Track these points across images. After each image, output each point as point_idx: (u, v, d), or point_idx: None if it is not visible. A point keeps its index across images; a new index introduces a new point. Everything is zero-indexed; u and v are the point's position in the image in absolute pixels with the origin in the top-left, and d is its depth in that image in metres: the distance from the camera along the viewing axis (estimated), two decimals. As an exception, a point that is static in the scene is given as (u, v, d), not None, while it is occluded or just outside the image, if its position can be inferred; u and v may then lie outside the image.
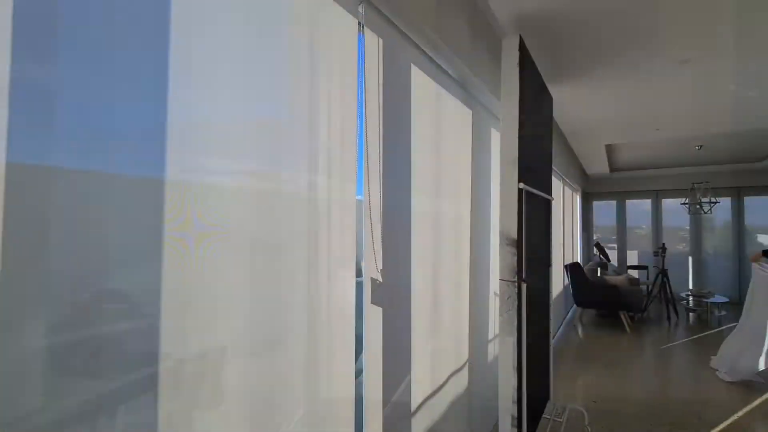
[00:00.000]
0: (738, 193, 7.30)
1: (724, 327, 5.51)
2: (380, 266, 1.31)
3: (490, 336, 2.66)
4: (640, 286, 5.95)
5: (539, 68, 2.46)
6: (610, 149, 5.95)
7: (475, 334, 2.34)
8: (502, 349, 1.92)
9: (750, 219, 7.25)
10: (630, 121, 4.05)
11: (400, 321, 1.47)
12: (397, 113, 1.48)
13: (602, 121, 4.00)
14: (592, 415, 2.91)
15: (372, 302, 1.27)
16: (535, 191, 2.17)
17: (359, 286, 1.24)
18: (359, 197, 1.26)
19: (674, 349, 4.50)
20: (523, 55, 1.92)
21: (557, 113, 3.83)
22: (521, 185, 1.90)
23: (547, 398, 2.71)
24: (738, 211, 7.31)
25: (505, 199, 1.92)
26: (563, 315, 5.71)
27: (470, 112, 2.21)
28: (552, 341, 2.84)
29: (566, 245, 6.08)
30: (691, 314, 6.06)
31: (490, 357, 2.63)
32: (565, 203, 5.88)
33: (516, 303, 1.92)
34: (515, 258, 1.91)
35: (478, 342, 2.43)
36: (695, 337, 5.02)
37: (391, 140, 1.42)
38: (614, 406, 3.06)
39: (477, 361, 2.37)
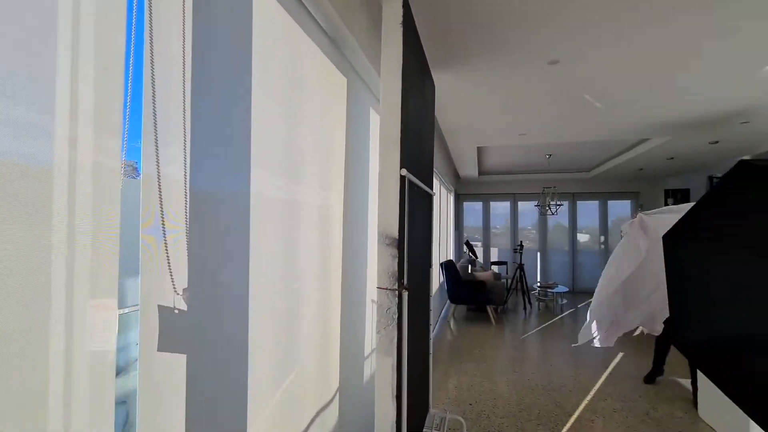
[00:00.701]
0: (573, 198, 8.61)
1: (566, 313, 6.33)
2: (181, 285, 0.77)
3: (368, 352, 2.29)
4: (502, 281, 6.46)
5: (423, 45, 2.19)
6: (480, 152, 6.31)
7: (348, 355, 1.94)
8: (380, 373, 1.55)
9: (580, 220, 8.63)
10: (500, 125, 4.23)
11: (223, 367, 0.95)
12: (222, 44, 0.96)
13: (477, 121, 4.07)
14: (469, 420, 2.80)
15: (162, 348, 0.73)
16: (418, 182, 1.87)
17: (126, 323, 0.70)
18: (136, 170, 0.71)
19: (531, 339, 4.89)
20: (407, 13, 1.59)
21: (437, 109, 3.74)
22: (403, 172, 1.55)
23: (426, 410, 2.48)
24: (573, 214, 8.63)
25: (385, 188, 1.55)
26: (439, 312, 5.82)
27: (344, 79, 1.80)
28: (431, 342, 2.63)
29: (442, 243, 6.24)
30: (540, 303, 6.83)
31: (367, 377, 2.27)
32: (441, 202, 6.02)
33: (396, 316, 1.57)
34: (396, 261, 1.56)
35: (352, 362, 2.04)
36: (546, 324, 5.60)
37: (209, 83, 0.89)
38: (488, 406, 3.02)
39: (350, 388, 1.97)
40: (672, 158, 6.00)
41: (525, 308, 6.39)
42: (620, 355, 4.26)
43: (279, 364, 1.31)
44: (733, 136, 4.63)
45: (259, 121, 1.12)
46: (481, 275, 6.43)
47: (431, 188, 2.47)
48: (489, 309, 5.66)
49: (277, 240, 1.27)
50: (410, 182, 1.68)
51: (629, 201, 8.39)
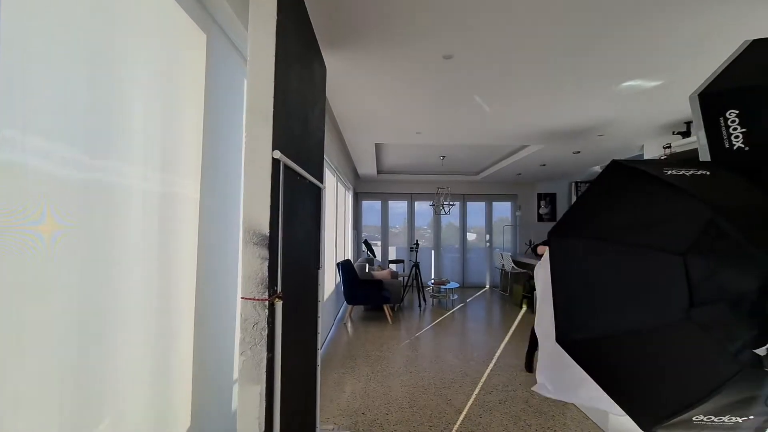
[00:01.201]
0: (464, 199, 9.19)
1: (457, 308, 6.64)
2: None
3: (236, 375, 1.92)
4: (399, 279, 6.50)
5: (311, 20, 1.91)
6: (379, 150, 6.25)
7: (207, 386, 1.55)
8: (243, 405, 1.23)
9: (469, 220, 9.25)
10: (397, 121, 4.17)
11: None
12: None
13: (373, 115, 3.93)
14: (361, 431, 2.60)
15: None
16: (299, 170, 1.59)
17: None
18: None
19: (425, 336, 4.96)
20: (283, -42, 1.29)
21: (333, 98, 3.48)
22: (277, 154, 1.26)
23: (314, 428, 2.20)
24: (463, 214, 9.21)
25: (252, 173, 1.24)
26: (335, 315, 5.57)
27: (203, 36, 1.42)
28: (320, 354, 2.36)
29: (340, 243, 6.02)
30: (434, 299, 7.08)
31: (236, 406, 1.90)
32: (339, 200, 5.79)
33: (266, 332, 1.27)
34: (266, 263, 1.26)
35: (216, 393, 1.66)
36: (439, 320, 5.78)
37: None
38: (381, 413, 2.87)
39: (210, 423, 1.59)
40: (544, 165, 6.74)
41: (420, 305, 6.54)
42: (504, 344, 4.55)
43: (71, 415, 0.91)
44: (592, 148, 5.34)
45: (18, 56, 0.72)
46: (379, 274, 6.38)
47: (321, 180, 2.20)
48: (386, 308, 5.62)
49: (70, 239, 0.86)
50: (287, 168, 1.39)
51: (510, 203, 9.27)
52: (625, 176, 1.07)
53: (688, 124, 4.08)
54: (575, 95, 3.35)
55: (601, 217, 1.24)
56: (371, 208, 9.19)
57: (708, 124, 1.01)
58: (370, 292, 5.46)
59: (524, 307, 6.61)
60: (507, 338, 4.84)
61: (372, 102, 3.56)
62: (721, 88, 1.06)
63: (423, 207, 9.20)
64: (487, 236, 9.24)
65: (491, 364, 3.91)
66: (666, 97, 3.36)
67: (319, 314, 2.31)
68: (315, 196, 2.08)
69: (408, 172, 8.43)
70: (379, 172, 8.43)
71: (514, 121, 4.14)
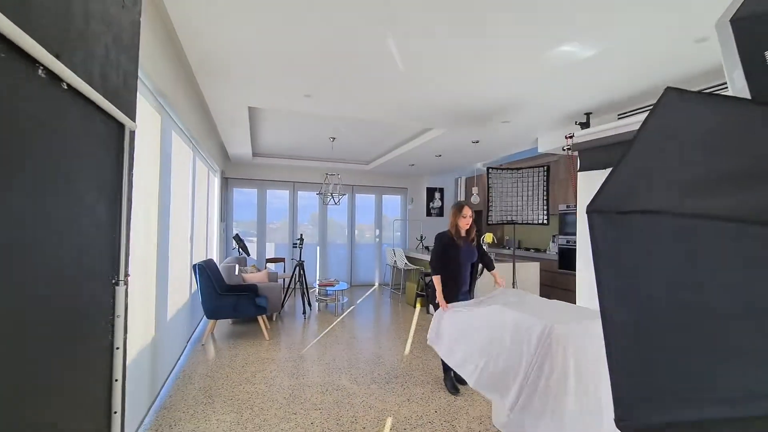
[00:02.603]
0: (353, 191, 8.43)
1: (346, 313, 5.81)
2: None
3: None
4: (279, 281, 5.36)
5: None
6: (255, 125, 4.99)
7: None
8: None
9: (358, 213, 8.55)
10: (279, 73, 3.09)
11: None
12: None
13: (245, 54, 2.77)
14: None
15: None
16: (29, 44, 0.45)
17: None
18: None
19: (312, 352, 3.99)
20: None
21: (178, 19, 2.23)
22: None
23: None
24: (352, 206, 8.45)
25: None
26: (187, 335, 4.16)
27: None
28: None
29: (198, 238, 4.58)
30: (320, 304, 6.13)
31: None
32: (198, 181, 4.36)
33: None
34: None
35: None
36: (327, 330, 4.85)
37: None
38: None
39: None
40: (440, 155, 6.40)
41: (305, 312, 5.50)
42: (406, 352, 3.88)
43: None
44: (490, 138, 5.09)
45: None
46: (253, 277, 5.13)
47: (130, 114, 1.07)
48: (261, 320, 4.44)
49: None
50: None
51: (400, 196, 8.87)
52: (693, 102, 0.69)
53: (588, 115, 4.01)
54: (499, 60, 2.81)
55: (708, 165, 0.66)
56: (246, 197, 7.72)
57: (747, 58, 0.76)
58: (239, 301, 4.22)
59: (418, 306, 6.15)
60: (408, 347, 4.20)
61: (242, 29, 2.42)
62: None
63: (308, 198, 8.14)
64: (377, 231, 8.68)
65: (399, 387, 3.17)
66: (589, 74, 3.07)
67: (117, 376, 1.16)
68: (110, 140, 0.95)
69: (291, 156, 7.27)
70: (255, 154, 7.05)
71: (423, 93, 3.47)
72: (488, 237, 5.14)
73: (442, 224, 9.07)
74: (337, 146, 6.26)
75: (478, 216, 8.62)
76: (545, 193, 3.73)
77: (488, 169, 3.79)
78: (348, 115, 4.20)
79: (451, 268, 3.01)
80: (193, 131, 3.70)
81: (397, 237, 8.82)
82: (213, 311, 4.16)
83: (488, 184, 3.76)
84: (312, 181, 7.77)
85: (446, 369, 3.16)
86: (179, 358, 3.67)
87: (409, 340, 4.44)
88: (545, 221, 3.73)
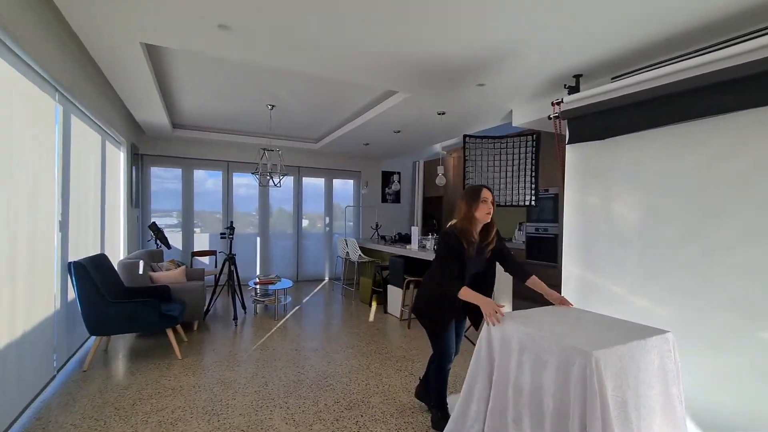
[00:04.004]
0: (299, 173, 7.41)
1: (290, 314, 4.87)
2: None
3: None
4: (201, 282, 4.31)
5: None
6: (164, 78, 3.85)
7: None
8: None
9: (306, 199, 7.54)
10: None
11: None
12: None
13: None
14: None
15: None
16: None
17: None
18: None
19: (242, 373, 3.05)
20: None
21: None
22: None
23: None
24: (298, 191, 7.44)
25: None
26: (62, 359, 3.02)
27: None
28: None
29: (87, 227, 3.41)
30: (258, 305, 5.13)
31: None
32: (83, 153, 3.17)
33: None
34: None
35: None
36: (264, 338, 3.91)
37: None
38: None
39: None
40: (398, 131, 5.59)
41: (236, 317, 4.49)
42: (367, 378, 3.07)
43: None
44: (459, 107, 4.35)
45: None
46: (165, 276, 4.04)
47: None
48: (170, 333, 3.40)
49: None
50: None
51: (352, 180, 7.98)
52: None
53: (578, 78, 3.38)
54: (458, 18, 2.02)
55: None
56: (167, 178, 6.42)
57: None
58: (138, 310, 3.15)
59: (374, 305, 5.36)
60: (364, 359, 3.38)
61: None
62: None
63: (246, 181, 7.00)
64: (327, 219, 7.75)
65: (352, 425, 2.35)
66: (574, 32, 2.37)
67: None
68: None
69: (223, 129, 6.10)
70: (176, 125, 5.81)
71: (389, 33, 2.61)
72: (455, 224, 4.44)
73: (400, 211, 8.34)
74: (279, 117, 5.22)
75: (438, 200, 8.00)
76: (533, 167, 3.05)
77: (466, 137, 3.03)
78: (287, 68, 3.23)
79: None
80: (56, 73, 2.56)
81: (350, 226, 7.95)
82: (97, 325, 3.06)
83: (465, 156, 3.01)
84: (251, 161, 6.65)
85: (442, 402, 2.36)
86: (37, 396, 2.57)
87: (366, 350, 3.64)
88: (533, 202, 3.07)
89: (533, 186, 3.02)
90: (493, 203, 2.10)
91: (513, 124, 4.49)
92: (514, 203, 3.05)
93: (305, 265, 7.49)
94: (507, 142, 3.03)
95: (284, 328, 4.30)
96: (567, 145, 3.23)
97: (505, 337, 1.77)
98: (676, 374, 1.59)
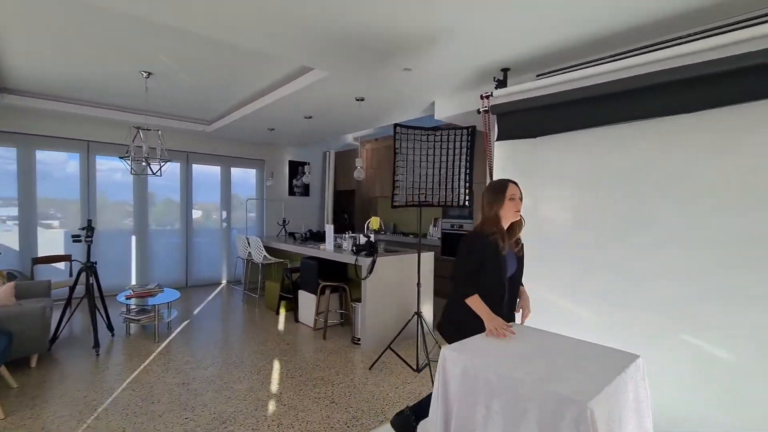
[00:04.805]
0: (188, 160, 6.27)
1: (175, 333, 3.98)
2: None
3: None
4: (45, 301, 3.21)
5: None
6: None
7: None
8: None
9: (197, 190, 6.44)
10: None
11: None
12: None
13: None
14: None
15: None
16: None
17: None
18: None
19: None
20: None
21: None
22: None
23: None
24: (187, 180, 6.30)
25: None
26: None
27: None
28: None
29: None
30: (130, 325, 4.09)
31: None
32: None
33: None
34: None
35: None
36: (136, 373, 3.04)
37: None
38: None
39: None
40: (310, 117, 4.98)
41: (97, 344, 3.46)
42: (279, 415, 2.50)
43: None
44: (381, 94, 3.96)
45: None
46: (-21, 300, 2.89)
47: None
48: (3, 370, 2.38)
49: None
50: None
51: (254, 170, 7.09)
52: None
53: (506, 71, 3.24)
54: None
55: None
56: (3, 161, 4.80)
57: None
58: None
59: (283, 312, 4.74)
60: (275, 386, 2.81)
61: None
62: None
63: (121, 165, 5.65)
64: (224, 213, 6.75)
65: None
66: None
67: None
68: None
69: (81, 100, 4.74)
70: (5, 88, 4.32)
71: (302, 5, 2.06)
72: (374, 222, 4.08)
73: (309, 206, 7.71)
74: (158, 89, 4.19)
75: (350, 195, 7.57)
76: (468, 164, 2.80)
77: (396, 127, 2.64)
78: (162, 22, 2.42)
79: (488, 287, 1.80)
80: None
81: (253, 221, 7.07)
82: None
83: (395, 148, 2.62)
84: (120, 143, 5.34)
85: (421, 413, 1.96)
86: None
87: (275, 375, 3.05)
88: (467, 202, 2.83)
89: (467, 184, 2.78)
90: (521, 199, 1.84)
91: (435, 117, 4.28)
92: (448, 202, 2.78)
93: (197, 267, 6.41)
94: (441, 135, 2.72)
95: (168, 354, 3.46)
96: (496, 142, 3.07)
97: (468, 376, 1.42)
98: (647, 404, 1.43)
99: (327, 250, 4.25)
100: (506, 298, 1.84)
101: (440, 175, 2.70)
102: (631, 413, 1.34)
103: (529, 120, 2.88)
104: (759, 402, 1.86)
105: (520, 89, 2.95)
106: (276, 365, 3.23)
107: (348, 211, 7.52)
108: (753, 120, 1.88)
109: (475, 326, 1.72)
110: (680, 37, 2.37)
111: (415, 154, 2.64)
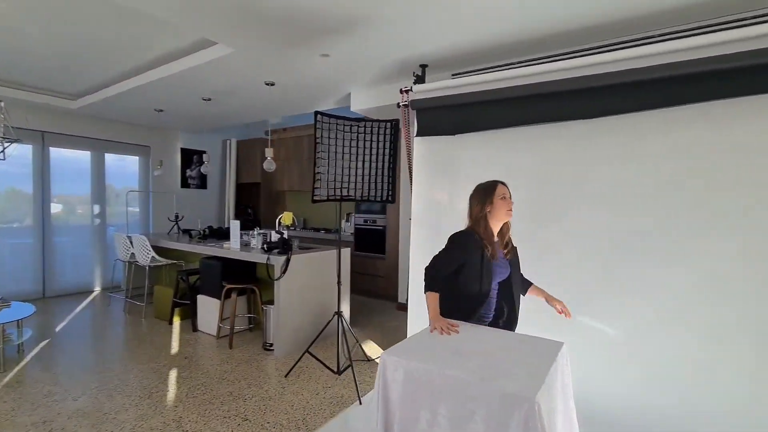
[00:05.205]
0: (44, 141, 5.08)
1: (29, 358, 3.17)
2: None
3: None
4: None
5: None
6: None
7: None
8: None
9: (56, 179, 5.26)
10: None
11: None
12: None
13: None
14: None
15: None
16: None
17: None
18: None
19: None
20: None
21: None
22: None
23: None
24: (42, 167, 5.10)
25: None
26: None
27: None
28: None
29: None
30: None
31: None
32: None
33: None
34: None
35: None
36: (-29, 416, 2.32)
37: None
38: None
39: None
40: (210, 99, 4.42)
41: None
42: (169, 442, 2.11)
43: None
44: (295, 80, 3.68)
45: None
46: None
47: None
48: None
49: None
50: None
51: (138, 157, 6.08)
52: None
53: (424, 67, 3.26)
54: None
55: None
56: None
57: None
58: None
59: (177, 321, 4.15)
60: (181, 407, 2.39)
61: None
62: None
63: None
64: (96, 207, 5.66)
65: None
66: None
67: None
68: None
69: None
70: None
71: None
72: (287, 217, 3.81)
73: (208, 199, 6.95)
74: (3, 53, 3.25)
75: (255, 188, 7.00)
76: (391, 158, 2.74)
77: (318, 114, 2.44)
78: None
79: (468, 292, 1.74)
80: None
81: (136, 217, 6.08)
82: None
83: (316, 138, 2.42)
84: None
85: None
86: None
87: (172, 396, 2.62)
88: (390, 197, 2.76)
89: (390, 179, 2.72)
90: (510, 198, 1.83)
91: (351, 109, 4.15)
92: (371, 197, 2.68)
93: (59, 272, 5.26)
94: (365, 127, 2.61)
95: (19, 385, 2.72)
96: (416, 138, 3.08)
97: (410, 381, 1.35)
98: (570, 386, 1.54)
99: (232, 248, 3.82)
100: (496, 304, 1.84)
101: (363, 168, 2.59)
102: (559, 397, 1.42)
103: (447, 117, 2.93)
104: (637, 370, 2.17)
105: (439, 86, 2.99)
106: (172, 384, 2.78)
107: (252, 206, 6.96)
108: (645, 128, 2.16)
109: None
110: (584, 50, 2.63)
111: (338, 145, 2.48)
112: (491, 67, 3.11)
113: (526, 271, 2.48)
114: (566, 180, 2.44)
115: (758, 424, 1.88)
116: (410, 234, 3.12)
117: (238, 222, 3.93)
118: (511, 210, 1.83)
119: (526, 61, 2.86)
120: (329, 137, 2.44)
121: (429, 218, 3.03)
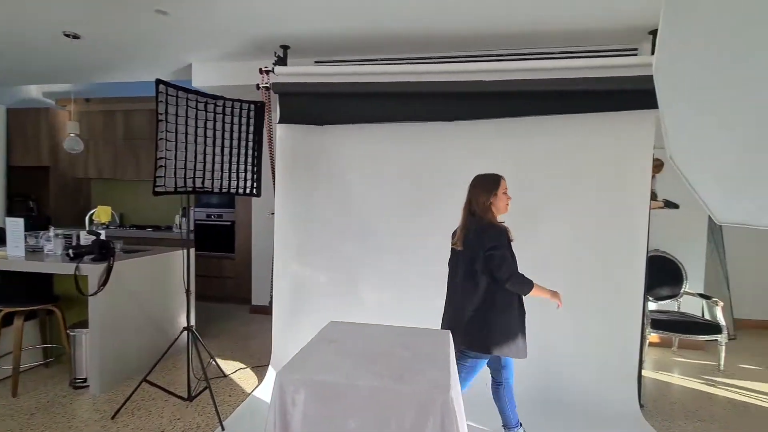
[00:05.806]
0: None
1: None
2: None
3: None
4: None
5: None
6: None
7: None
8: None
9: None
10: None
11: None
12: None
13: None
14: None
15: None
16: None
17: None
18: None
19: None
20: None
21: None
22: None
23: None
24: None
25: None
26: None
27: None
28: None
29: None
30: None
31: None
32: None
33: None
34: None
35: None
36: None
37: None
38: None
39: None
40: (-40, 43, 3.05)
41: None
42: None
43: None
44: (114, 33, 2.85)
45: None
46: None
47: None
48: None
49: None
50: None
51: None
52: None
53: (286, 48, 2.99)
54: None
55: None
56: None
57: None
58: None
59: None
60: None
61: None
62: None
63: None
64: None
65: None
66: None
67: None
68: None
69: None
70: None
71: None
72: (103, 213, 3.01)
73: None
74: None
75: (41, 173, 5.21)
76: (255, 145, 2.40)
77: (160, 84, 1.92)
78: None
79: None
80: None
81: None
82: None
83: (158, 114, 1.91)
84: None
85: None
86: None
87: None
88: (254, 190, 2.41)
89: (255, 169, 2.39)
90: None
91: (193, 84, 3.51)
92: (232, 190, 2.29)
93: None
94: (225, 107, 2.20)
95: None
96: (278, 125, 2.81)
97: (313, 400, 1.18)
98: (455, 367, 1.63)
99: (12, 257, 2.74)
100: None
101: (222, 155, 2.18)
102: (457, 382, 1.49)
103: (314, 106, 2.77)
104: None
105: (305, 71, 2.80)
106: None
107: (35, 198, 5.22)
108: (496, 130, 2.48)
109: (521, 323, 1.82)
110: (445, 57, 2.85)
111: (189, 125, 2.01)
112: (358, 60, 3.09)
113: (398, 260, 2.56)
114: (437, 173, 2.61)
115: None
116: (273, 230, 2.85)
117: (20, 220, 2.84)
118: (508, 205, 1.86)
119: (396, 59, 2.94)
120: (177, 114, 1.96)
121: (295, 212, 2.82)
